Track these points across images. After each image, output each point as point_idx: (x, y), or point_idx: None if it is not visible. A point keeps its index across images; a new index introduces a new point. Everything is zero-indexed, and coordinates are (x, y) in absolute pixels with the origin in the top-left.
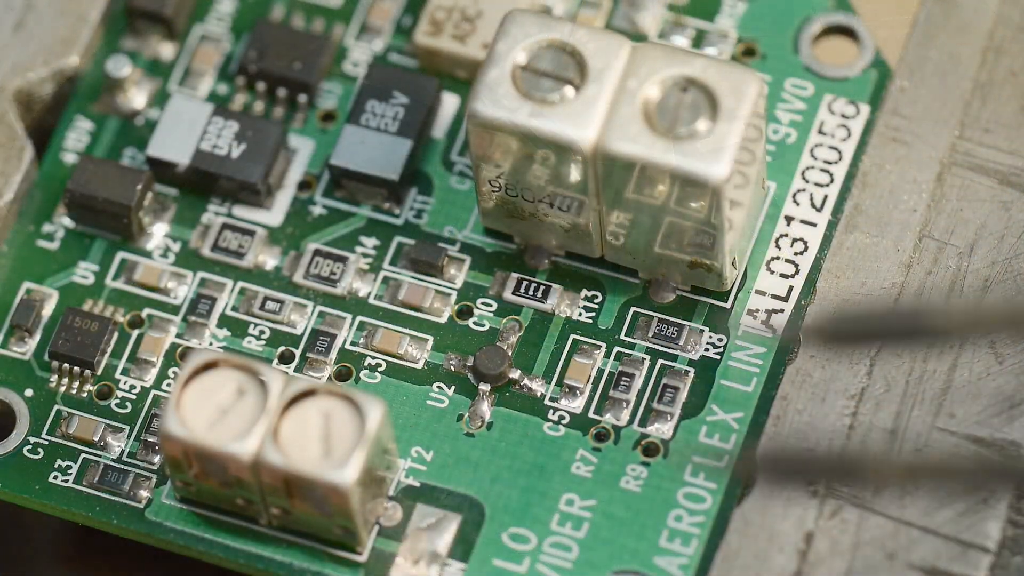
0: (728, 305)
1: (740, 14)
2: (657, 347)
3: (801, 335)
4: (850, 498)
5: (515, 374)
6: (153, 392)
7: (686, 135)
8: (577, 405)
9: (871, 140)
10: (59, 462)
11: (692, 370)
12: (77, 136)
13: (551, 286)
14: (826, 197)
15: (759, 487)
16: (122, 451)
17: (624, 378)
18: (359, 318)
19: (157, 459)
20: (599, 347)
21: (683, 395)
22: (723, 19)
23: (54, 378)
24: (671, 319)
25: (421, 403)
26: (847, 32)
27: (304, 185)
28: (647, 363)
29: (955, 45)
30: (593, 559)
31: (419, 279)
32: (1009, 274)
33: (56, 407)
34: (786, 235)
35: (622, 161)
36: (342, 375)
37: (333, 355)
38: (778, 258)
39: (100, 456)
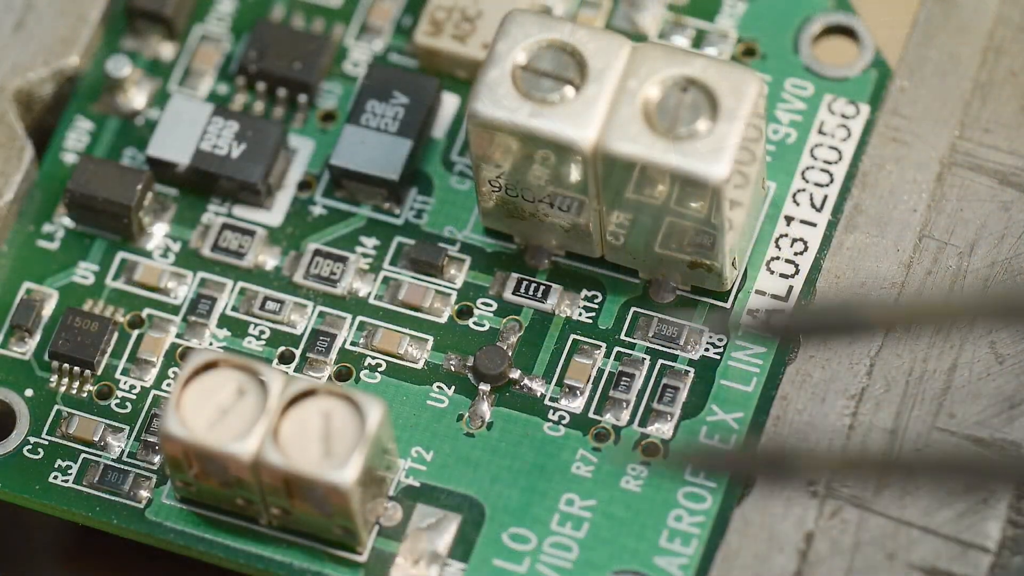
0: (728, 305)
1: (740, 14)
2: (657, 347)
3: (731, 327)
4: (850, 498)
5: (515, 374)
6: (153, 392)
7: (686, 135)
8: (577, 405)
9: (871, 140)
10: (59, 462)
11: (692, 370)
12: (77, 136)
13: (551, 286)
14: (826, 197)
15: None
16: (122, 451)
17: (624, 378)
18: (359, 318)
19: (157, 459)
20: (599, 347)
21: (683, 395)
22: (723, 19)
23: (54, 378)
24: (671, 319)
25: (421, 403)
26: (847, 32)
27: (304, 185)
28: (647, 363)
29: (955, 45)
30: (593, 559)
31: (419, 279)
32: (1009, 274)
33: (56, 407)
34: (786, 235)
35: (622, 161)
36: (342, 375)
37: (333, 355)
38: (778, 258)
39: (100, 456)
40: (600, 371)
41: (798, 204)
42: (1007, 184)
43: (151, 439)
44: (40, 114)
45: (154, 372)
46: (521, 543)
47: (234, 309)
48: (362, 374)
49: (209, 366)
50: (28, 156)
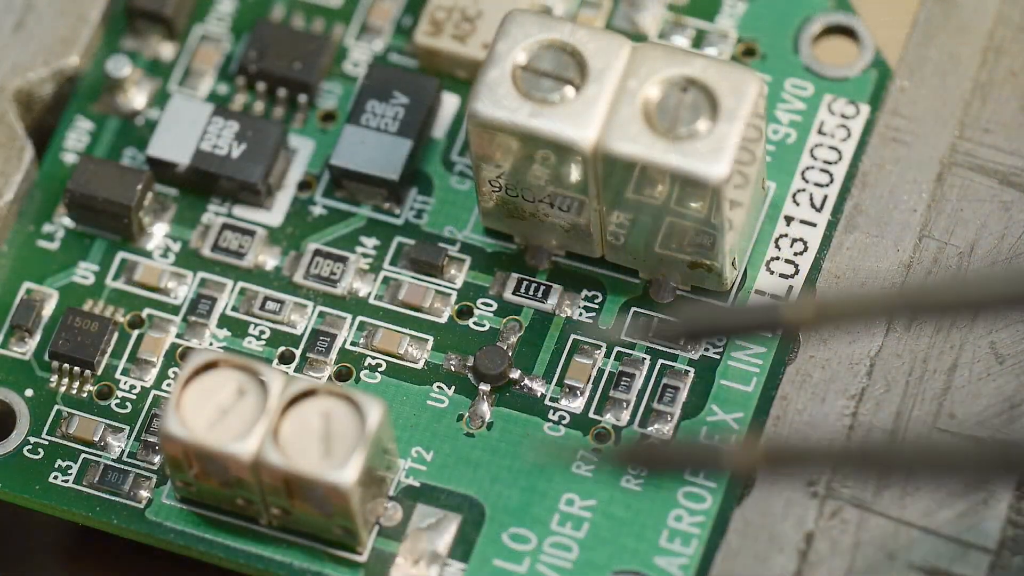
0: (728, 305)
1: (740, 14)
2: (657, 347)
3: (628, 335)
4: (850, 498)
5: (515, 374)
6: (153, 392)
7: (686, 135)
8: (577, 405)
9: (871, 140)
10: (59, 462)
11: (692, 370)
12: (77, 136)
13: (551, 286)
14: (826, 197)
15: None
16: (122, 451)
17: (624, 378)
18: (359, 318)
19: (157, 459)
20: (599, 347)
21: (683, 395)
22: (723, 19)
23: (54, 378)
24: (671, 319)
25: (421, 403)
26: (847, 32)
27: (304, 185)
28: (647, 363)
29: (955, 45)
30: (593, 559)
31: (419, 279)
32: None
33: (56, 407)
34: (786, 235)
35: (622, 161)
36: (342, 375)
37: (333, 355)
38: (778, 258)
39: (100, 456)
40: (600, 371)
41: (798, 204)
42: (1007, 184)
43: (151, 439)
44: (40, 114)
45: (154, 372)
46: (521, 543)
47: (234, 309)
48: (362, 374)
49: (209, 366)
50: (28, 156)
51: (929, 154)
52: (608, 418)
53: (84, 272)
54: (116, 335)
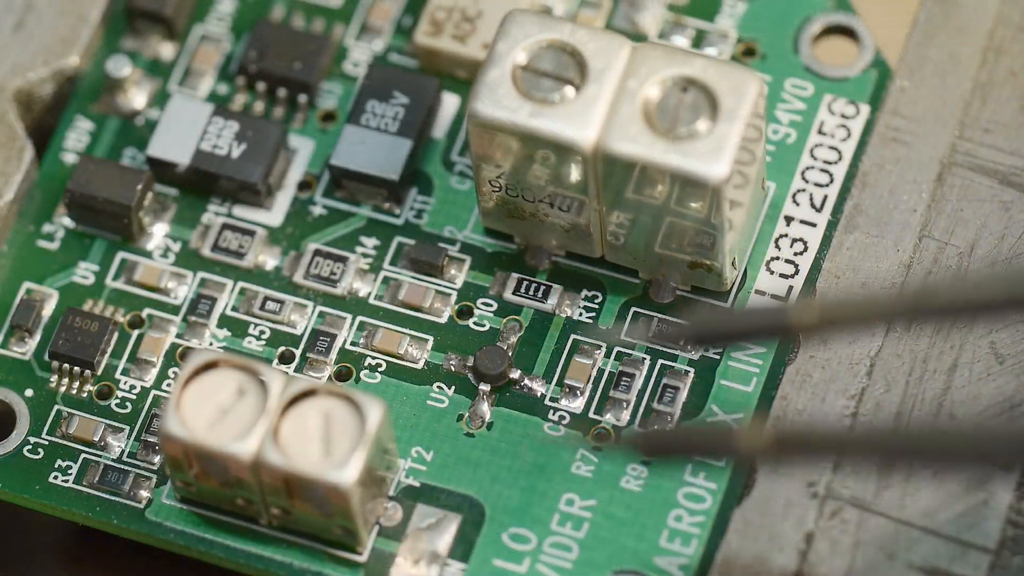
0: (728, 305)
1: (740, 14)
2: (657, 347)
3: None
4: (850, 498)
5: (515, 374)
6: (153, 392)
7: (686, 135)
8: (577, 405)
9: (871, 140)
10: (59, 462)
11: (692, 370)
12: (77, 136)
13: (551, 286)
14: (826, 197)
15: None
16: (122, 451)
17: (624, 378)
18: (359, 318)
19: (157, 459)
20: (599, 347)
21: (683, 395)
22: (723, 19)
23: (54, 378)
24: (671, 319)
25: (421, 403)
26: (847, 32)
27: (304, 185)
28: (647, 363)
29: (955, 45)
30: (593, 559)
31: (419, 279)
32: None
33: (56, 407)
34: (786, 235)
35: (622, 161)
36: (342, 375)
37: (333, 355)
38: (778, 258)
39: (100, 456)
40: (600, 371)
41: (798, 204)
42: (1007, 184)
43: (151, 439)
44: (40, 114)
45: (154, 372)
46: (521, 543)
47: (234, 309)
48: (362, 374)
49: (209, 366)
50: (28, 156)
51: (929, 154)
52: (608, 418)
53: (84, 272)
54: (116, 335)
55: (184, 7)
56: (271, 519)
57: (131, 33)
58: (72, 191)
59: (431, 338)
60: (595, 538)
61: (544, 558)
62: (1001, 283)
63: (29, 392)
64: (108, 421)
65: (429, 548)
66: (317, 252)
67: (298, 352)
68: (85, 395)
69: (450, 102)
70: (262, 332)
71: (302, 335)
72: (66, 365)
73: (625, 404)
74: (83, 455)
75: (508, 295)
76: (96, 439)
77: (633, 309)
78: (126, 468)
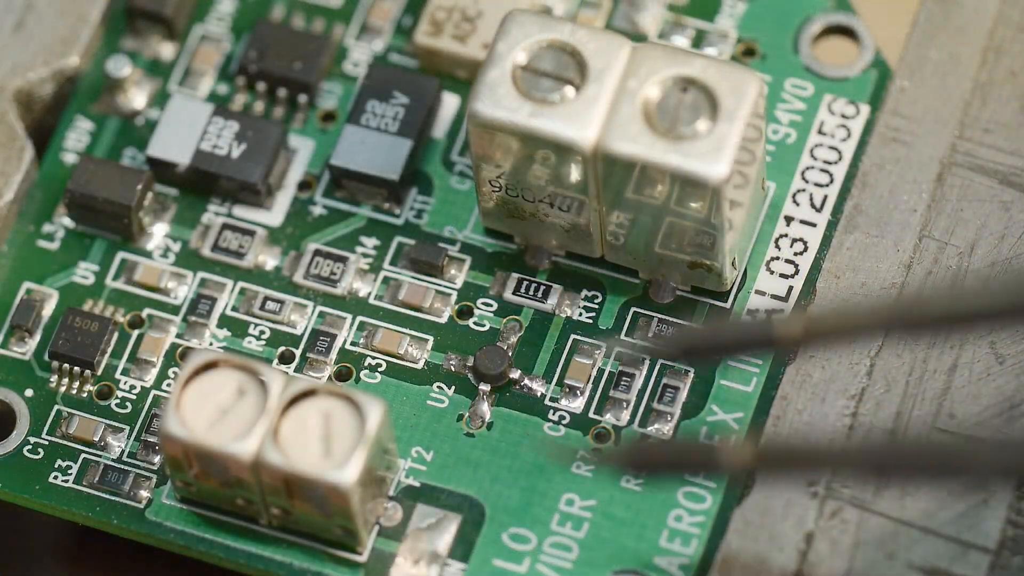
0: (728, 305)
1: (740, 14)
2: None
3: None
4: (850, 498)
5: (515, 374)
6: (153, 392)
7: (686, 135)
8: (577, 405)
9: (871, 140)
10: (59, 462)
11: (692, 370)
12: (77, 136)
13: (551, 286)
14: (826, 197)
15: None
16: (122, 451)
17: (624, 378)
18: (359, 318)
19: (157, 459)
20: (599, 347)
21: (683, 395)
22: (723, 19)
23: (54, 378)
24: (671, 319)
25: (421, 403)
26: (847, 32)
27: (304, 185)
28: (647, 363)
29: (955, 45)
30: (593, 559)
31: (419, 279)
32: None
33: (56, 407)
34: (786, 235)
35: (622, 161)
36: (342, 375)
37: (333, 355)
38: (778, 258)
39: (100, 456)
40: (600, 371)
41: (798, 204)
42: (1007, 184)
43: (151, 439)
44: (40, 114)
45: (154, 372)
46: (521, 543)
47: (234, 309)
48: (362, 374)
49: (209, 366)
50: (28, 156)
51: (929, 154)
52: (608, 418)
53: (84, 272)
54: (116, 335)
55: (184, 7)
56: (271, 519)
57: (131, 33)
58: (72, 191)
59: (431, 338)
60: (595, 538)
61: (544, 558)
62: (992, 295)
63: (29, 392)
64: (108, 421)
65: (429, 548)
66: (317, 252)
67: (298, 352)
68: (85, 395)
69: (450, 102)
70: (262, 332)
71: (302, 335)
72: (66, 365)
73: (625, 404)
74: (83, 455)
75: (508, 295)
76: (96, 439)
77: (633, 309)
78: (126, 468)
